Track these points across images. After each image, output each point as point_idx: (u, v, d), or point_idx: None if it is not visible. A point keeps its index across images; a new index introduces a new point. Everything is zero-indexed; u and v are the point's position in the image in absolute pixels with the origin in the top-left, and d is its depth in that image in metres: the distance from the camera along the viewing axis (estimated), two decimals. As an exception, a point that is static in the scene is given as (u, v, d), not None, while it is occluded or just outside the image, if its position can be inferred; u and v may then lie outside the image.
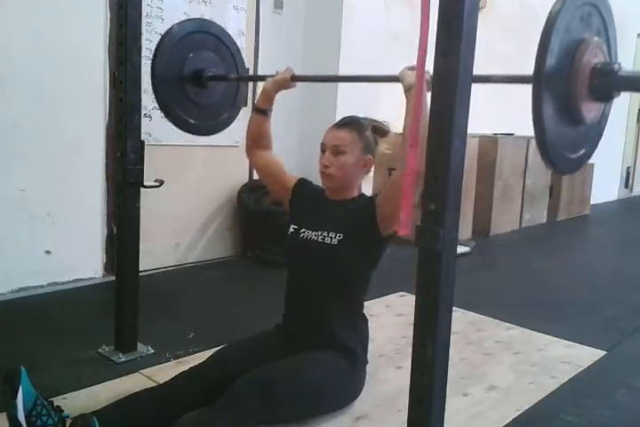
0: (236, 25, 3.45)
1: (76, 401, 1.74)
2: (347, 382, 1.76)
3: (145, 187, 2.13)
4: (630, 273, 3.84)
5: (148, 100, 3.13)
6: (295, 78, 1.93)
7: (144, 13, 2.11)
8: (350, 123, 1.79)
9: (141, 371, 2.02)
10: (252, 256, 3.65)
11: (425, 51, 1.24)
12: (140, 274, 2.24)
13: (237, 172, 3.71)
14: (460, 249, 2.54)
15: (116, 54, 2.26)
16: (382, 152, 1.83)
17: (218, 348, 1.86)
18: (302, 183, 1.94)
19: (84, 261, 3.04)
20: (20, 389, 1.45)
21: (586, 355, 2.33)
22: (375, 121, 1.84)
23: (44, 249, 2.88)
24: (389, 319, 2.65)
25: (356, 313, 1.82)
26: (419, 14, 1.23)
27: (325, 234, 1.74)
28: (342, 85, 4.00)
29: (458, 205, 1.23)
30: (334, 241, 1.72)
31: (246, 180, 3.75)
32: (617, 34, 1.26)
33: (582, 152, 1.27)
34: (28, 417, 1.44)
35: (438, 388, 1.27)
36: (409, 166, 1.26)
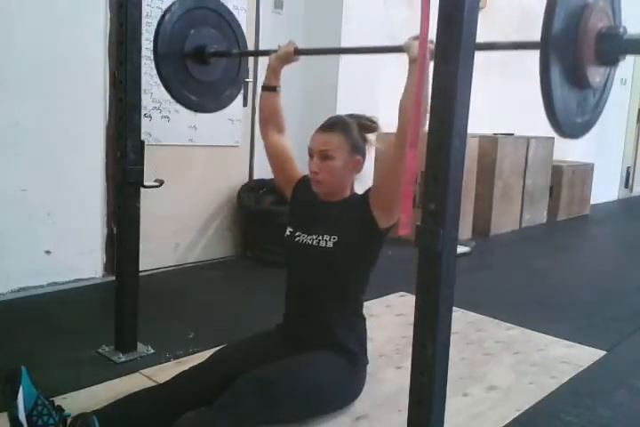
0: (236, 25, 3.45)
1: (76, 401, 1.74)
2: (347, 383, 1.76)
3: (145, 187, 2.13)
4: (630, 273, 3.84)
5: (148, 100, 3.15)
6: (298, 52, 1.93)
7: (144, 13, 2.11)
8: (335, 125, 1.76)
9: (141, 371, 2.02)
10: (252, 256, 3.64)
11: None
12: (140, 274, 2.24)
13: (237, 172, 3.71)
14: (460, 249, 2.54)
15: (116, 54, 2.26)
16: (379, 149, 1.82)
17: (218, 348, 1.86)
18: (303, 182, 1.91)
19: (84, 261, 3.04)
20: (21, 389, 1.45)
21: (586, 355, 2.33)
22: (361, 118, 1.81)
23: (44, 249, 2.88)
24: (389, 319, 2.65)
25: (355, 313, 1.82)
26: (419, 14, 1.23)
27: (320, 237, 1.73)
28: (342, 85, 4.00)
29: (458, 205, 1.23)
30: (329, 244, 1.71)
31: (246, 180, 3.75)
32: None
33: (588, 117, 1.27)
34: (28, 417, 1.44)
35: (438, 388, 1.27)
36: (409, 166, 1.26)
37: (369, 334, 1.86)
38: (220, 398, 1.47)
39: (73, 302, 2.78)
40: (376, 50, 1.88)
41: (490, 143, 4.73)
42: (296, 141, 2.06)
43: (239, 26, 2.31)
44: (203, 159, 3.51)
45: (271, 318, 1.89)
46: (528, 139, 5.08)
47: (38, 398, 1.48)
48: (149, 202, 2.49)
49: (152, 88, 3.13)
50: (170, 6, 2.08)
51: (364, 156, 1.80)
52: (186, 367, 1.72)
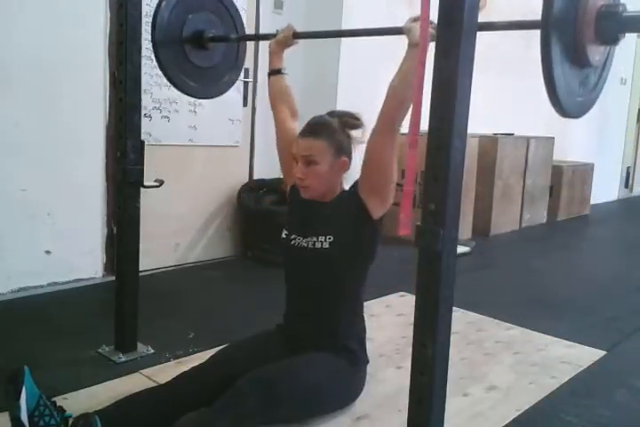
0: (236, 25, 3.45)
1: (77, 401, 1.74)
2: (347, 383, 1.76)
3: (145, 187, 2.13)
4: (630, 273, 3.84)
5: (148, 100, 3.15)
6: (297, 35, 1.94)
7: (144, 13, 2.11)
8: (317, 128, 1.72)
9: (141, 371, 2.02)
10: (252, 256, 3.64)
11: (425, 51, 1.25)
12: (140, 274, 2.24)
13: (237, 172, 3.71)
14: (460, 249, 2.54)
15: (116, 54, 2.25)
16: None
17: (218, 348, 1.86)
18: None
19: (84, 261, 3.04)
20: (24, 389, 1.44)
21: (586, 355, 2.33)
22: (344, 115, 1.78)
23: (44, 249, 2.88)
24: (389, 319, 2.65)
25: (355, 311, 1.81)
26: (419, 14, 1.23)
27: (315, 239, 1.71)
28: (342, 86, 4.01)
29: (458, 205, 1.23)
30: (325, 245, 1.69)
31: (246, 180, 3.75)
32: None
33: (588, 95, 1.28)
34: (30, 417, 1.43)
35: (438, 388, 1.27)
36: (409, 167, 1.26)
37: (369, 334, 1.86)
38: (221, 399, 1.47)
39: (73, 302, 2.78)
40: (374, 32, 1.87)
41: (490, 143, 4.73)
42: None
43: (237, 10, 2.29)
44: (203, 159, 3.51)
45: (271, 318, 1.89)
46: (528, 139, 5.08)
47: (40, 399, 1.47)
48: (150, 202, 2.49)
49: (152, 88, 3.13)
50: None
51: (350, 155, 1.77)
52: (186, 367, 1.72)
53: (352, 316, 1.80)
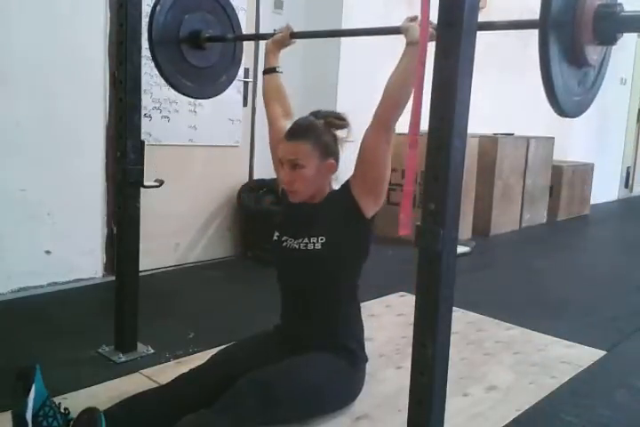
0: (236, 25, 3.46)
1: (76, 401, 1.74)
2: (346, 383, 1.75)
3: (145, 187, 2.13)
4: (630, 273, 3.84)
5: (148, 100, 3.15)
6: (294, 35, 1.95)
7: (144, 13, 2.11)
8: (301, 130, 1.69)
9: (141, 371, 2.02)
10: (252, 256, 3.64)
11: (425, 51, 1.24)
12: (140, 274, 2.24)
13: (237, 172, 3.71)
14: (460, 249, 2.54)
15: (116, 54, 2.25)
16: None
17: (218, 348, 1.86)
18: None
19: (84, 261, 3.04)
20: (33, 387, 1.43)
21: (586, 355, 2.33)
22: (328, 116, 1.76)
23: (44, 249, 2.88)
24: (389, 319, 2.65)
25: (352, 311, 1.80)
26: (419, 14, 1.23)
27: (307, 240, 1.70)
28: (342, 86, 4.01)
29: (458, 205, 1.23)
30: (318, 246, 1.68)
31: (246, 180, 3.75)
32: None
33: (586, 95, 1.28)
34: (34, 417, 1.42)
35: (438, 388, 1.27)
36: (409, 167, 1.26)
37: (369, 334, 1.86)
38: (220, 400, 1.47)
39: (73, 302, 2.78)
40: (371, 31, 1.88)
41: (490, 143, 4.73)
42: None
43: (233, 10, 2.29)
44: (203, 159, 3.51)
45: (271, 318, 1.89)
46: (528, 139, 5.08)
47: (47, 399, 1.47)
48: (150, 202, 2.49)
49: (152, 88, 3.13)
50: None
51: (336, 157, 1.75)
52: (186, 367, 1.71)
53: (349, 315, 1.79)
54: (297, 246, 1.72)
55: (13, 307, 2.65)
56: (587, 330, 2.65)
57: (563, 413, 1.88)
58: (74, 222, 2.96)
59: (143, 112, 2.31)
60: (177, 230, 3.43)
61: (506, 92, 5.25)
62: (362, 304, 1.86)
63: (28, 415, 1.41)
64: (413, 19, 1.56)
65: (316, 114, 1.78)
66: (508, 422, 1.79)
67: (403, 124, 1.52)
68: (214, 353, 1.80)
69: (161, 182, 2.17)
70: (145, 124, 2.33)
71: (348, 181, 1.73)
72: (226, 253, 3.71)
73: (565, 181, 5.61)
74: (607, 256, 4.49)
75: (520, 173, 5.05)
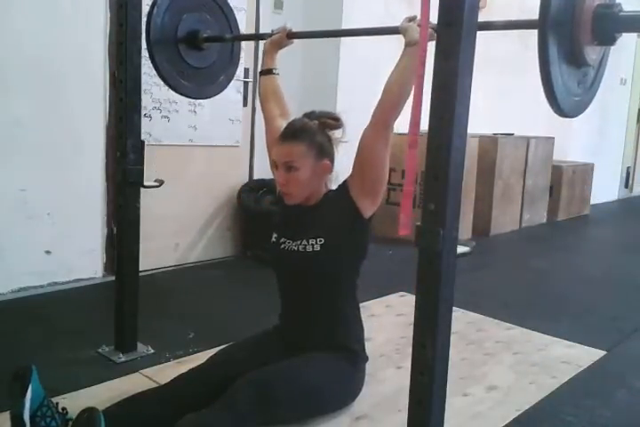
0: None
1: (76, 401, 1.74)
2: (346, 383, 1.75)
3: (145, 187, 2.13)
4: (630, 273, 3.84)
5: (148, 100, 3.15)
6: (291, 36, 1.94)
7: (144, 13, 2.11)
8: (295, 132, 1.68)
9: (141, 371, 2.02)
10: (252, 256, 3.64)
11: (425, 51, 1.24)
12: (140, 274, 2.24)
13: (237, 172, 3.71)
14: (460, 249, 2.53)
15: (116, 54, 2.25)
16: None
17: (218, 348, 1.86)
18: None
19: (83, 261, 3.04)
20: (30, 387, 1.43)
21: (586, 355, 2.33)
22: (322, 116, 1.75)
23: (44, 249, 2.88)
24: (389, 319, 2.65)
25: (351, 311, 1.80)
26: (419, 14, 1.23)
27: (305, 242, 1.69)
28: (342, 85, 4.01)
29: (458, 205, 1.23)
30: (316, 247, 1.67)
31: (246, 180, 3.75)
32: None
33: (585, 94, 1.29)
34: (32, 417, 1.42)
35: (438, 388, 1.27)
36: (409, 167, 1.26)
37: (369, 334, 1.86)
38: (220, 400, 1.47)
39: (73, 301, 2.78)
40: (370, 31, 1.88)
41: (490, 143, 4.73)
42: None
43: (231, 10, 2.29)
44: (203, 159, 3.51)
45: (271, 318, 1.89)
46: (528, 139, 5.08)
47: (45, 399, 1.47)
48: (150, 202, 2.49)
49: (152, 88, 3.13)
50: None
51: (332, 157, 1.74)
52: (186, 368, 1.71)
53: (348, 315, 1.79)
54: (296, 248, 1.71)
55: (13, 307, 2.65)
56: (587, 330, 2.65)
57: (563, 413, 1.88)
58: (74, 222, 2.96)
59: (143, 112, 2.31)
60: (177, 230, 3.43)
61: (506, 92, 5.25)
62: (362, 304, 1.86)
63: (26, 416, 1.41)
64: (412, 19, 1.56)
65: (309, 115, 1.77)
66: (508, 422, 1.79)
67: (402, 124, 1.52)
68: (214, 353, 1.80)
69: (161, 182, 2.17)
70: (145, 124, 2.33)
71: (345, 182, 1.73)
72: (226, 253, 3.71)
73: (565, 181, 5.61)
74: (607, 256, 4.49)
75: (520, 173, 5.05)
